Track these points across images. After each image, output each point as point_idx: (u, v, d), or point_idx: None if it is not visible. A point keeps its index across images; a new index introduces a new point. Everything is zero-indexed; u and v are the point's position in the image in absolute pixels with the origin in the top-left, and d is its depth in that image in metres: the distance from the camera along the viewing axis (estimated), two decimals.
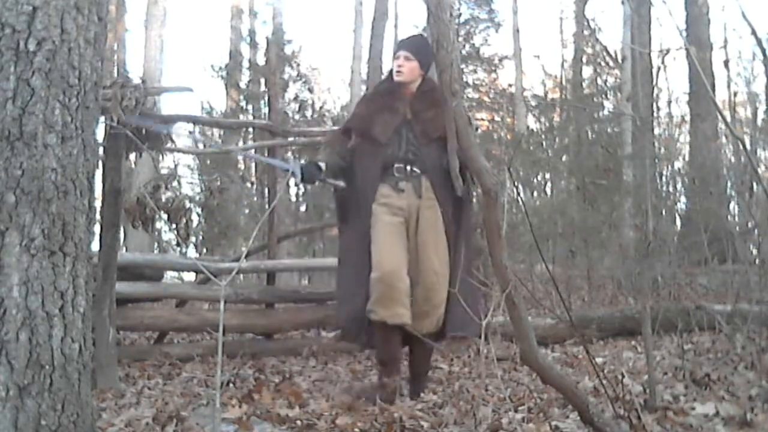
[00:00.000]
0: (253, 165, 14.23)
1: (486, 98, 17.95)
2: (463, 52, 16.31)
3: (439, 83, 2.04)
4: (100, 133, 3.10)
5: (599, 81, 16.50)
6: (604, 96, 15.94)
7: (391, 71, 3.18)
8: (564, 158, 11.91)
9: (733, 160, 10.49)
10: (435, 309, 2.95)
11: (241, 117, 14.50)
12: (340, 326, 3.25)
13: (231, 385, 3.21)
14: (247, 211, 12.80)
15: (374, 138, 3.06)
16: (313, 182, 3.16)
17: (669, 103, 15.61)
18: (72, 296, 1.64)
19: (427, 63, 3.12)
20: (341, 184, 3.12)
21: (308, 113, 15.65)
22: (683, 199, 10.64)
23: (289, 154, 9.25)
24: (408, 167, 3.03)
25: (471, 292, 2.94)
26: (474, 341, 3.46)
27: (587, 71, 17.02)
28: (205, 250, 10.65)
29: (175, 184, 4.07)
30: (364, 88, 13.45)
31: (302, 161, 3.20)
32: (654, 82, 12.61)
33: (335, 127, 4.68)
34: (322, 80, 17.92)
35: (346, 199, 3.17)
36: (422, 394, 2.98)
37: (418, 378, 3.08)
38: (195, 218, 9.98)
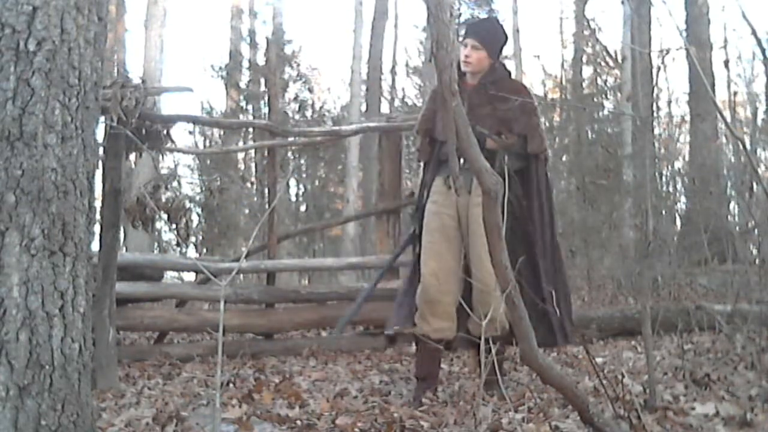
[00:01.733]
0: (253, 165, 14.26)
1: None
2: None
3: (439, 83, 2.04)
4: (100, 133, 3.11)
5: (599, 81, 16.49)
6: (604, 96, 15.93)
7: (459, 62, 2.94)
8: (564, 158, 11.92)
9: (733, 160, 10.49)
10: (495, 312, 2.75)
11: (241, 117, 14.51)
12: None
13: (231, 385, 3.21)
14: (247, 211, 12.81)
15: (438, 137, 2.92)
16: None
17: (669, 103, 15.62)
18: (72, 296, 1.64)
19: (496, 51, 2.93)
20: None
21: (308, 113, 15.66)
22: (683, 199, 10.65)
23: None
24: (462, 159, 2.80)
25: (562, 296, 2.79)
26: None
27: (587, 71, 17.01)
28: (205, 250, 10.66)
29: (175, 184, 4.07)
30: (364, 88, 13.45)
31: None
32: (654, 82, 12.61)
33: (335, 127, 4.68)
34: (322, 80, 17.93)
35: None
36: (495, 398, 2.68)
37: (491, 386, 2.74)
38: (195, 218, 9.99)
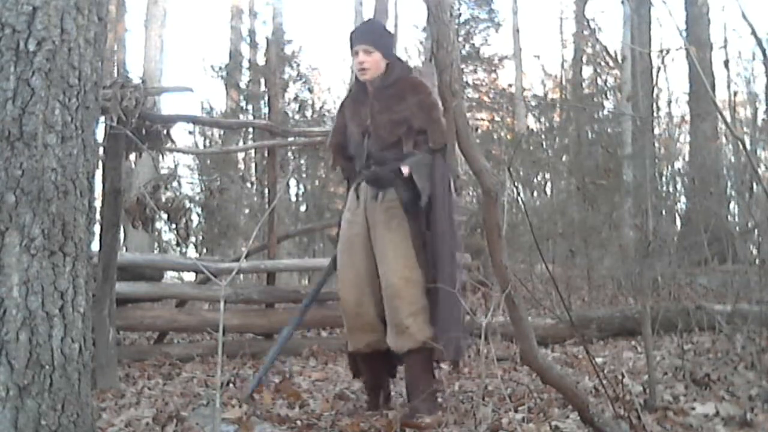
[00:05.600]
0: (253, 165, 14.25)
1: (486, 98, 17.95)
2: (463, 52, 16.31)
3: (439, 83, 2.03)
4: (100, 133, 3.11)
5: (599, 81, 16.49)
6: (604, 96, 15.94)
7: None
8: (564, 158, 11.92)
9: (733, 160, 10.49)
10: (407, 320, 2.59)
11: (241, 117, 14.50)
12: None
13: (231, 385, 3.21)
14: (247, 211, 12.80)
15: (350, 154, 2.90)
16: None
17: (669, 103, 15.59)
18: (72, 296, 1.64)
19: (389, 47, 2.83)
20: None
21: (308, 113, 15.64)
22: (683, 199, 10.64)
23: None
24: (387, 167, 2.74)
25: (446, 302, 2.60)
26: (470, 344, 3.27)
27: (587, 71, 17.02)
28: (205, 250, 10.65)
29: (175, 184, 4.07)
30: None
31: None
32: (654, 82, 12.61)
33: None
34: (322, 80, 17.93)
35: None
36: (419, 417, 2.49)
37: (412, 397, 2.67)
38: (195, 218, 9.99)
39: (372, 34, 2.84)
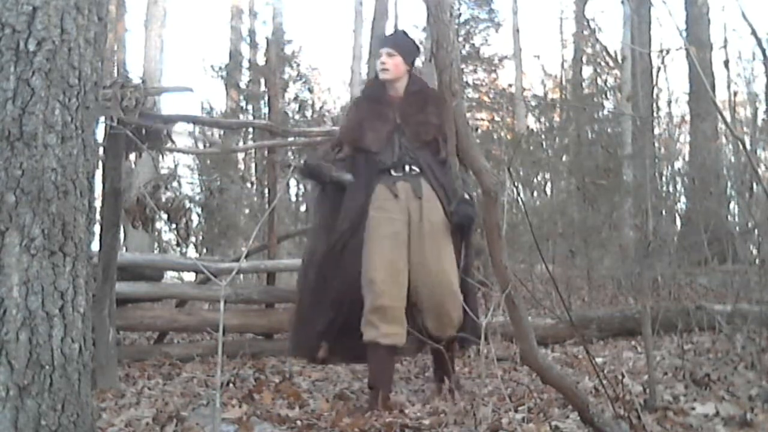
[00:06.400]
0: (253, 165, 14.25)
1: (486, 98, 17.96)
2: (463, 52, 16.32)
3: (439, 83, 2.04)
4: (100, 133, 3.11)
5: (599, 81, 16.49)
6: (604, 96, 15.93)
7: (377, 73, 3.10)
8: (564, 158, 11.90)
9: (733, 160, 10.48)
10: (454, 311, 2.85)
11: (241, 117, 14.50)
12: (292, 337, 3.17)
13: (231, 385, 3.21)
14: (247, 211, 12.79)
15: (367, 147, 2.99)
16: (318, 179, 3.04)
17: (669, 103, 15.59)
18: (72, 296, 1.64)
19: (410, 56, 3.07)
20: (348, 177, 2.97)
21: (308, 113, 15.64)
22: (683, 199, 10.63)
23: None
24: (406, 167, 2.95)
25: (471, 293, 2.92)
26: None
27: (587, 71, 17.02)
28: (205, 250, 10.65)
29: (175, 184, 4.07)
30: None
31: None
32: (654, 82, 12.61)
33: (335, 127, 4.68)
34: (322, 80, 17.94)
35: (332, 203, 3.05)
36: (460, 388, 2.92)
37: (446, 375, 2.93)
38: (195, 218, 9.99)
39: (397, 40, 3.14)
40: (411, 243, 2.89)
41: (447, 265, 2.86)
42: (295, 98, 15.61)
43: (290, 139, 5.33)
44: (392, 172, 2.95)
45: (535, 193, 13.49)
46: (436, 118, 2.94)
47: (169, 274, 6.80)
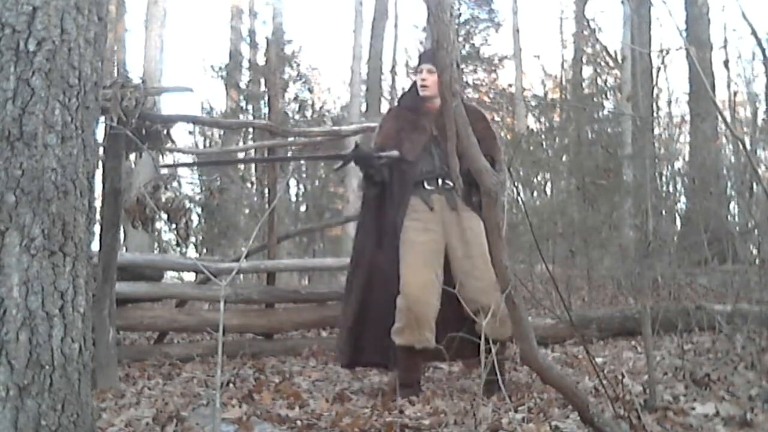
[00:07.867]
0: (253, 165, 14.25)
1: (486, 98, 17.95)
2: (463, 52, 16.32)
3: (439, 83, 2.04)
4: (100, 133, 3.10)
5: (599, 81, 16.49)
6: (604, 96, 15.93)
7: (414, 84, 3.16)
8: (564, 158, 11.90)
9: (733, 160, 10.48)
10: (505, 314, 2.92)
11: (241, 117, 14.50)
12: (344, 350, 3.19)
13: (231, 385, 3.21)
14: (247, 211, 12.80)
15: (403, 156, 3.05)
16: (369, 162, 3.05)
17: (669, 103, 15.60)
18: (72, 296, 1.64)
19: None
20: (395, 153, 3.04)
21: (308, 113, 15.65)
22: (683, 199, 10.64)
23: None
24: (440, 180, 3.04)
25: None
26: None
27: (587, 71, 17.02)
28: (205, 250, 10.66)
29: (175, 184, 4.06)
30: (364, 88, 13.44)
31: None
32: (654, 82, 12.61)
33: (335, 127, 4.69)
34: (322, 80, 17.94)
35: (379, 193, 3.13)
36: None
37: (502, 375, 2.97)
38: (195, 218, 9.98)
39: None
40: (456, 253, 2.97)
41: (491, 274, 2.88)
42: (295, 98, 15.61)
43: (290, 139, 5.33)
44: (426, 185, 3.04)
45: (535, 193, 13.50)
46: (477, 132, 2.96)
47: (169, 274, 6.80)
